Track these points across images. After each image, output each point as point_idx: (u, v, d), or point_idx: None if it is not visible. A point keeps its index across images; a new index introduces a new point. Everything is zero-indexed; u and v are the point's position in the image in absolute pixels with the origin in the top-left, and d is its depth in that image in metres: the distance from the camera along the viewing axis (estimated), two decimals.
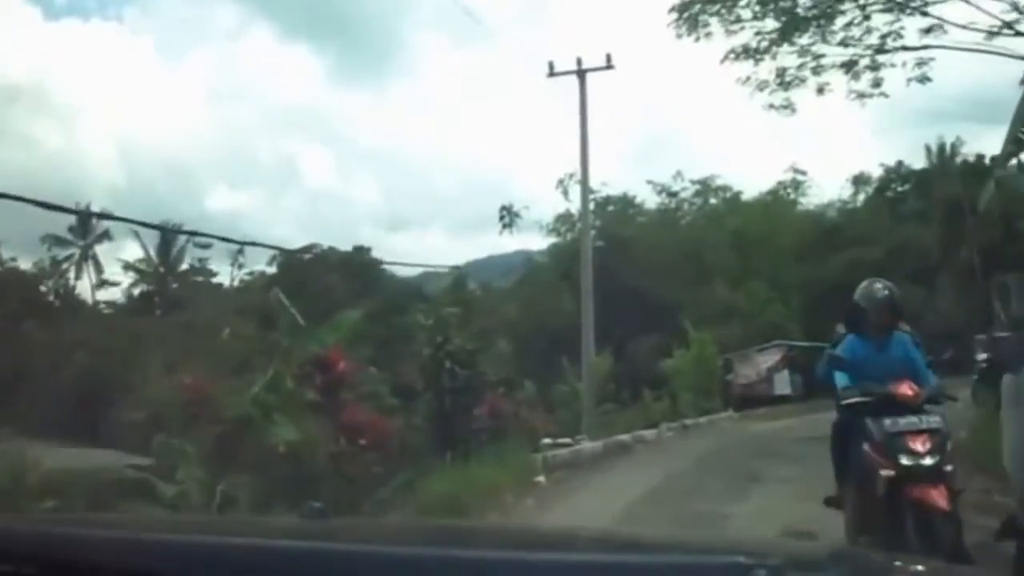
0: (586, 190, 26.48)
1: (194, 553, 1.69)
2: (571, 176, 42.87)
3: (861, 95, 20.27)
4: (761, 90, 20.02)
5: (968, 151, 52.50)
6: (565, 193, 43.00)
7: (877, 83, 19.98)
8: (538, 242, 46.65)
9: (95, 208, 45.77)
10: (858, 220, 51.23)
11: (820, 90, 20.28)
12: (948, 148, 56.53)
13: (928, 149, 57.61)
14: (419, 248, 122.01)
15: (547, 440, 21.25)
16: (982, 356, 22.83)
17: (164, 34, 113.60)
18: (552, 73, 25.60)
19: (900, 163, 58.88)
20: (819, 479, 7.77)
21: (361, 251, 43.04)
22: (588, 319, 25.96)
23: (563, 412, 26.65)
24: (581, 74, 25.27)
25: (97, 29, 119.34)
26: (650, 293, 41.19)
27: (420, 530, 3.06)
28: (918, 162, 57.16)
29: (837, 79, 19.59)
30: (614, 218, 46.51)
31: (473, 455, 13.78)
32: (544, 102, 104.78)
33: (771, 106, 20.39)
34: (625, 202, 47.46)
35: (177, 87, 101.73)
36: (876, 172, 57.40)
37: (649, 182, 44.85)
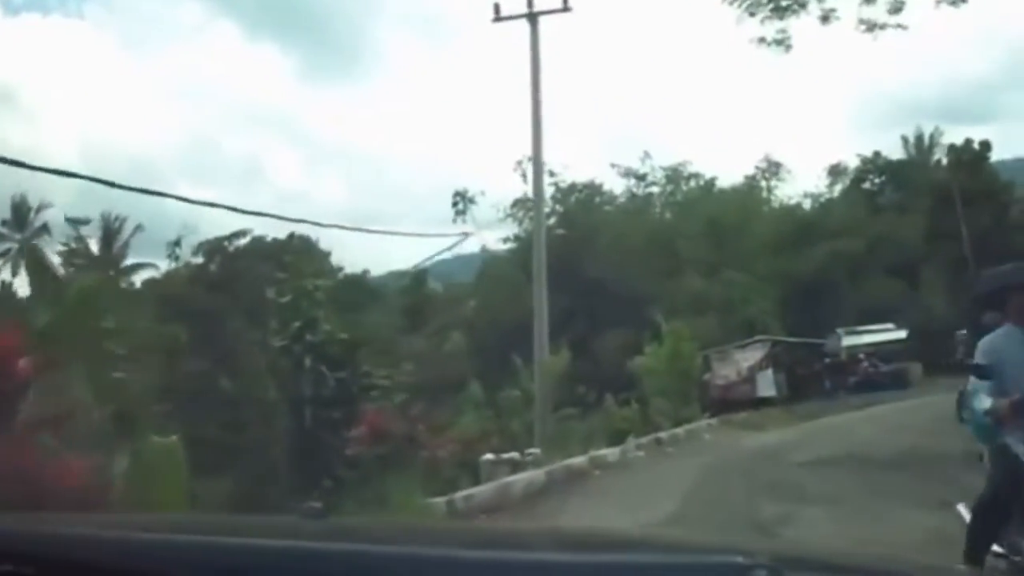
0: (539, 154, 21.64)
1: (193, 553, 1.59)
2: (530, 158, 38.04)
3: (874, 26, 15.59)
4: (752, 14, 15.20)
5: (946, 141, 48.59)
6: (524, 176, 38.03)
7: (897, 8, 15.24)
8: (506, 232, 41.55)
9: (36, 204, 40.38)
10: (835, 212, 47.68)
11: (825, 18, 15.63)
12: (927, 139, 53.06)
13: (905, 140, 54.34)
14: (389, 246, 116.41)
15: (489, 456, 16.69)
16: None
17: (127, 30, 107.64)
18: (498, 18, 20.78)
19: (877, 154, 54.90)
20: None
21: (297, 240, 37.66)
22: (541, 310, 21.16)
23: (514, 420, 21.84)
24: (532, 18, 20.48)
25: (58, 24, 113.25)
26: (618, 285, 36.52)
27: (420, 530, 3.02)
28: (895, 154, 53.61)
29: (846, 5, 14.96)
30: (580, 207, 41.49)
31: (345, 499, 8.74)
32: (517, 96, 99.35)
33: (761, 40, 15.69)
34: (592, 190, 42.32)
35: (140, 84, 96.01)
36: (853, 163, 53.13)
37: (614, 165, 39.76)
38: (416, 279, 61.35)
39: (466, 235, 23.81)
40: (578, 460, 13.30)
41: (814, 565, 1.68)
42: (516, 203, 38.97)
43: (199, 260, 36.68)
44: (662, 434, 17.59)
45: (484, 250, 38.88)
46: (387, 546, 1.80)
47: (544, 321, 21.75)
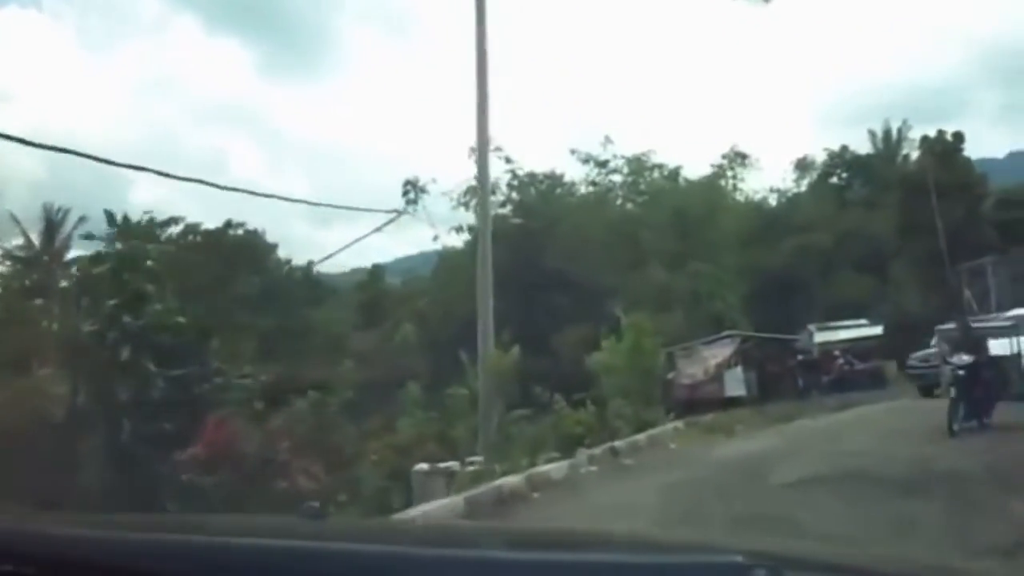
0: (484, 134, 18.92)
1: (193, 553, 1.60)
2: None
3: None
4: None
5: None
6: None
7: None
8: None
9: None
10: (802, 207, 45.72)
11: None
12: (895, 134, 51.20)
13: (873, 134, 52.35)
14: (351, 242, 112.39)
15: (422, 467, 14.47)
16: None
17: (86, 23, 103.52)
18: None
19: (845, 148, 52.97)
20: None
21: (234, 227, 34.60)
22: (486, 301, 18.62)
23: (460, 422, 19.32)
24: None
25: (14, 15, 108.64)
26: (580, 278, 33.96)
27: (419, 530, 3.10)
28: (863, 149, 52.20)
29: None
30: (541, 198, 38.72)
31: None
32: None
33: None
34: (554, 180, 39.49)
35: (100, 78, 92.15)
36: (820, 158, 51.16)
37: (573, 151, 36.98)
38: (372, 274, 58.74)
39: (398, 212, 20.96)
40: (512, 480, 10.50)
41: (814, 565, 1.66)
42: (469, 190, 36.13)
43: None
44: (620, 442, 14.87)
45: (436, 239, 36.03)
46: (387, 546, 1.79)
47: (489, 312, 19.16)
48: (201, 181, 17.24)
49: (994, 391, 13.32)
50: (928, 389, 21.01)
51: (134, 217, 25.69)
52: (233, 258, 34.99)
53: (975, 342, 12.85)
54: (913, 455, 11.16)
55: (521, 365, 22.40)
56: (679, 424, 18.65)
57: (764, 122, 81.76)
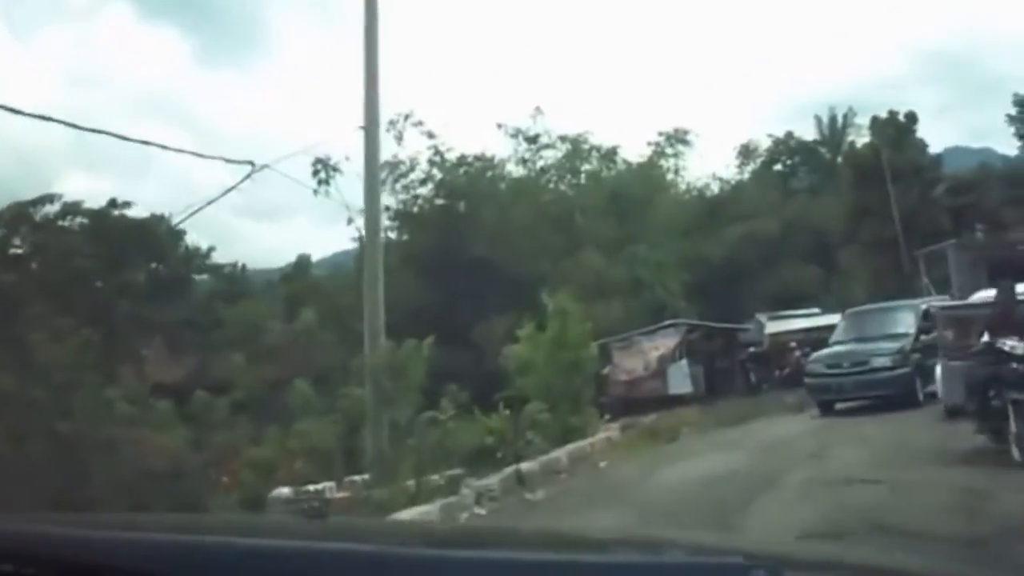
0: (373, 94, 14.80)
1: (194, 553, 1.56)
2: (406, 117, 31.01)
3: None
4: None
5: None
6: (399, 138, 31.01)
7: None
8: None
9: None
10: (747, 194, 42.47)
11: None
12: (840, 119, 48.11)
13: (819, 120, 49.05)
14: (290, 237, 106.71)
15: (282, 492, 11.80)
16: None
17: (11, 10, 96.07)
18: None
19: (790, 134, 49.79)
20: None
21: (120, 207, 29.73)
22: (374, 283, 14.50)
23: (360, 427, 15.61)
24: None
25: None
26: (510, 265, 29.86)
27: (420, 530, 3.00)
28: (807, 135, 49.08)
29: None
30: (470, 180, 34.38)
31: None
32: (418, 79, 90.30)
33: None
34: (484, 163, 35.10)
35: (27, 67, 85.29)
36: (764, 144, 47.88)
37: (500, 125, 32.76)
38: (297, 266, 54.24)
39: (254, 165, 16.60)
40: None
41: (814, 565, 1.60)
42: (386, 166, 31.78)
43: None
44: (531, 463, 10.75)
45: (351, 222, 31.59)
46: (387, 546, 1.76)
47: (378, 297, 15.12)
48: (106, 132, 13.99)
49: None
50: (828, 405, 16.37)
51: None
52: (122, 243, 30.26)
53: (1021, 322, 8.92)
54: (953, 487, 7.23)
55: (440, 360, 18.48)
56: (614, 427, 14.53)
57: (706, 108, 77.59)
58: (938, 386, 12.51)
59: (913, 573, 1.75)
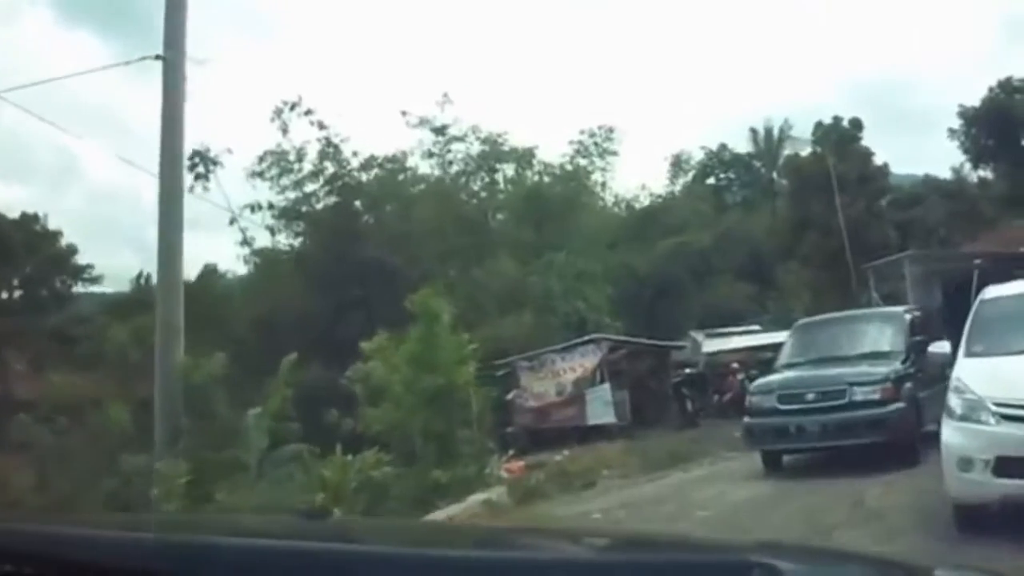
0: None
1: (194, 553, 1.53)
2: (293, 106, 26.21)
3: None
4: None
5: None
6: (284, 129, 26.21)
7: None
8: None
9: None
10: (678, 206, 38.70)
11: None
12: (776, 131, 45.10)
13: (754, 132, 45.79)
14: (217, 248, 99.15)
15: None
16: None
17: None
18: None
19: (723, 146, 46.49)
20: None
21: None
22: (171, 278, 9.68)
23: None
24: None
25: None
26: (411, 273, 25.10)
27: (420, 530, 2.93)
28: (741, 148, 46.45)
29: None
30: (379, 183, 29.54)
31: None
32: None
33: None
34: (395, 164, 30.23)
35: None
36: (697, 156, 44.53)
37: (404, 113, 27.98)
38: (202, 276, 48.97)
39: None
40: None
41: (814, 565, 1.49)
42: (264, 156, 26.83)
43: None
44: None
45: (232, 223, 26.83)
46: (387, 546, 1.74)
47: (178, 300, 10.59)
48: None
49: None
50: (777, 457, 11.36)
51: None
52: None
53: None
54: None
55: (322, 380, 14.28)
56: (494, 492, 9.63)
57: (634, 115, 73.05)
58: (946, 431, 7.21)
59: (913, 571, 1.63)
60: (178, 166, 11.26)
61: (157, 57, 11.46)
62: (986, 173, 35.67)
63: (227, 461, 12.70)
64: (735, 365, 20.72)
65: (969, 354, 7.02)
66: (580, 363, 18.87)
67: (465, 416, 10.64)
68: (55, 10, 68.19)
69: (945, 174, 36.59)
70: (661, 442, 15.68)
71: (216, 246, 65.26)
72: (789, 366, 12.29)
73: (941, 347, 7.99)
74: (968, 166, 35.67)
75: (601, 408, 18.15)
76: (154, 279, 29.81)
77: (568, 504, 10.77)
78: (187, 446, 12.04)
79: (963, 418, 6.45)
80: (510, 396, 18.59)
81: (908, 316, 12.71)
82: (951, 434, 6.53)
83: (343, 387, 14.42)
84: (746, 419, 11.68)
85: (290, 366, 13.37)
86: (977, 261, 25.57)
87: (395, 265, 25.48)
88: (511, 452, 15.20)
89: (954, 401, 6.58)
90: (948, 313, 16.10)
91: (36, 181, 67.91)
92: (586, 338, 19.78)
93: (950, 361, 7.49)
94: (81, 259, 38.82)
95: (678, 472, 12.14)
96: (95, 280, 40.40)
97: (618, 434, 17.48)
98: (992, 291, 7.65)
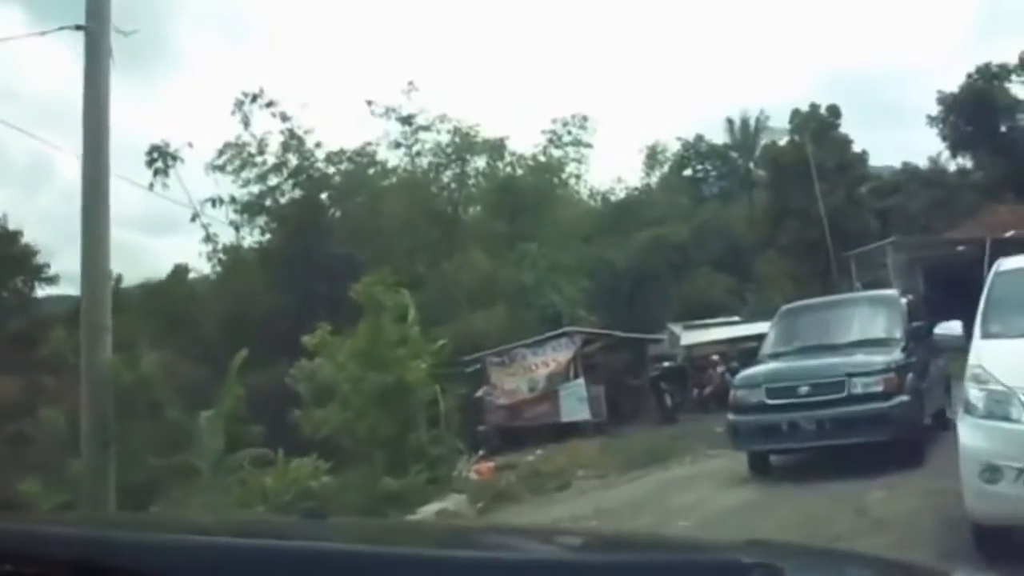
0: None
1: (193, 553, 1.49)
2: (254, 98, 25.06)
3: None
4: None
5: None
6: (246, 122, 25.07)
7: None
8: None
9: None
10: (654, 198, 37.91)
11: None
12: (753, 122, 44.33)
13: (730, 123, 44.96)
14: (190, 251, 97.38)
15: None
16: None
17: None
18: None
19: (700, 137, 45.58)
20: None
21: None
22: (95, 271, 8.57)
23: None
24: None
25: None
26: (376, 265, 23.88)
27: (420, 530, 2.89)
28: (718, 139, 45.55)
29: None
30: (348, 178, 28.38)
31: None
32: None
33: None
34: (364, 157, 29.01)
35: None
36: (673, 147, 43.60)
37: (370, 103, 26.79)
38: (171, 276, 47.67)
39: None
40: None
41: (814, 565, 1.50)
42: (224, 149, 25.64)
43: None
44: None
45: (194, 219, 25.67)
46: (387, 546, 1.72)
47: (104, 298, 9.59)
48: None
49: None
50: (765, 458, 10.23)
51: None
52: None
53: None
54: None
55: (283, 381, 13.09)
56: (451, 502, 8.53)
57: (608, 106, 71.82)
58: (964, 432, 5.91)
59: (914, 571, 1.68)
60: (103, 149, 10.12)
61: (78, 27, 10.31)
62: (965, 161, 35.08)
63: (175, 466, 11.67)
64: (715, 357, 19.78)
65: (987, 335, 5.94)
66: (553, 357, 17.85)
67: (432, 415, 9.55)
68: (26, 14, 66.35)
69: (923, 165, 35.97)
70: (639, 439, 14.71)
71: (185, 246, 63.59)
72: (775, 356, 10.88)
73: (950, 328, 6.93)
74: (947, 154, 35.09)
75: (575, 404, 17.13)
76: (124, 281, 28.93)
77: (539, 507, 9.79)
78: (126, 450, 11.00)
79: (987, 415, 5.23)
80: (480, 393, 17.57)
81: (904, 300, 11.70)
82: (971, 435, 5.28)
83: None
84: (730, 416, 10.41)
85: (240, 363, 12.32)
86: (961, 248, 25.01)
87: (363, 260, 24.41)
88: (481, 452, 14.26)
89: (974, 393, 5.33)
90: (937, 299, 15.26)
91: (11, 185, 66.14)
92: (559, 331, 18.76)
93: (962, 345, 6.48)
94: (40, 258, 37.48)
95: (658, 471, 11.16)
96: (51, 280, 39.01)
97: (594, 431, 16.51)
98: (1009, 262, 6.60)
